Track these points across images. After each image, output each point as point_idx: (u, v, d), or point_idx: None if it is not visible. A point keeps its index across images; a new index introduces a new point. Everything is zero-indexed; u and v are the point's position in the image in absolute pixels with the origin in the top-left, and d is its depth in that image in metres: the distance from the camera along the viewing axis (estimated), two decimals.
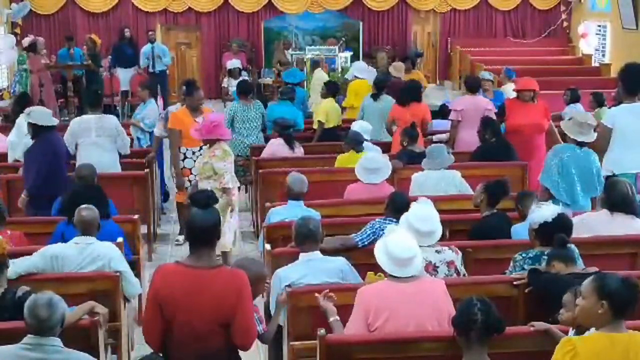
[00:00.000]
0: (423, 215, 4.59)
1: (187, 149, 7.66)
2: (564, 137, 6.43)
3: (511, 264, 4.71)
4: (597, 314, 3.23)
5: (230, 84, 12.52)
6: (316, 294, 4.19)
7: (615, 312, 3.22)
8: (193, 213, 3.67)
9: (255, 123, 8.70)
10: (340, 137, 8.74)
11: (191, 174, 7.54)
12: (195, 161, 7.43)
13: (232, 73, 11.80)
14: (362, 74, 10.71)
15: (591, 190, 6.03)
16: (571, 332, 3.65)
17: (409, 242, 4.04)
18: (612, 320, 3.23)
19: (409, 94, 8.50)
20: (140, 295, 5.67)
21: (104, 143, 7.54)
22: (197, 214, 3.63)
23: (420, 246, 4.36)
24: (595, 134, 6.11)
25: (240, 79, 10.93)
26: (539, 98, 8.16)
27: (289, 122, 8.48)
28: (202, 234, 3.60)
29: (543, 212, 4.66)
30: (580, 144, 6.03)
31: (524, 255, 4.65)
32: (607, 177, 5.91)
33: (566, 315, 3.68)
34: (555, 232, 4.54)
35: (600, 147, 6.29)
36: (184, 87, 8.24)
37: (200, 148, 7.37)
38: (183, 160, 7.69)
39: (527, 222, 5.36)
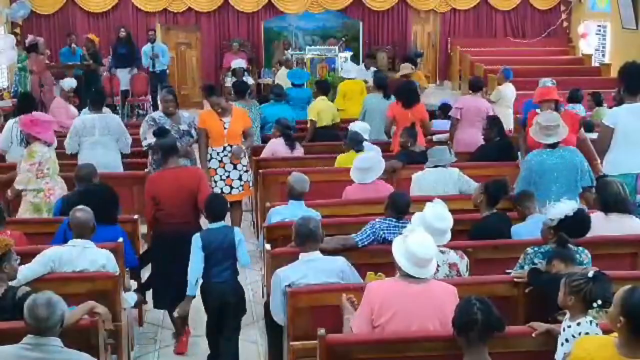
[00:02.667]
0: (440, 213, 4.61)
1: (212, 149, 7.54)
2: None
3: (522, 256, 4.72)
4: (617, 327, 3.17)
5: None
6: (343, 295, 4.21)
7: (633, 332, 3.12)
8: (158, 141, 6.57)
9: (254, 123, 8.69)
10: (335, 137, 8.78)
11: (216, 173, 7.48)
12: (219, 161, 7.47)
13: (236, 73, 11.72)
14: (351, 74, 10.67)
15: (572, 188, 5.94)
16: (567, 315, 3.68)
17: (430, 243, 4.01)
18: (630, 339, 3.13)
19: (414, 95, 8.43)
20: (140, 299, 5.68)
21: (107, 142, 7.61)
22: (161, 140, 6.37)
23: None
24: (565, 130, 6.06)
25: (247, 78, 10.93)
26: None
27: (291, 122, 8.48)
28: (167, 148, 5.89)
29: (562, 207, 4.67)
30: (553, 146, 6.00)
31: (535, 249, 4.67)
32: (599, 178, 5.89)
33: (560, 297, 3.69)
34: (575, 228, 4.56)
35: (602, 146, 6.29)
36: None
37: (224, 149, 7.41)
38: (209, 160, 7.55)
39: (527, 222, 5.39)
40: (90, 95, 8.42)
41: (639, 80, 6.35)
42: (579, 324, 3.60)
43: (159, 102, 11.38)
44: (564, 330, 3.67)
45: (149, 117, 7.73)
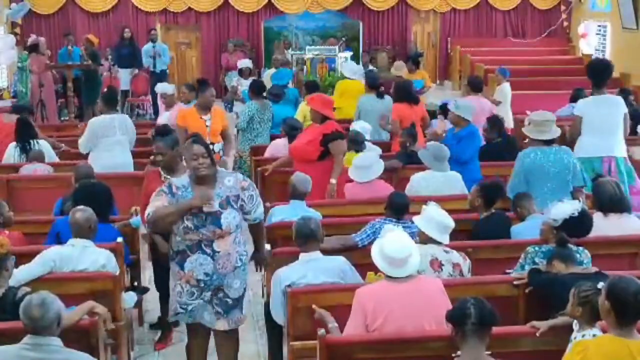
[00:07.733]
0: (443, 212, 4.66)
1: None
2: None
3: (522, 255, 4.73)
4: (605, 312, 3.29)
5: (240, 84, 12.35)
6: (313, 306, 4.22)
7: (617, 313, 3.23)
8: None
9: (269, 124, 8.67)
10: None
11: None
12: None
13: (242, 72, 11.70)
14: (354, 75, 10.65)
15: (564, 187, 5.93)
16: (575, 326, 3.67)
17: (405, 241, 4.05)
18: (618, 322, 3.24)
19: (413, 94, 8.40)
20: (140, 299, 5.68)
21: (124, 141, 7.67)
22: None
23: (431, 243, 4.51)
24: (558, 129, 6.14)
25: (252, 78, 10.87)
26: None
27: (298, 123, 8.47)
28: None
29: (565, 207, 4.67)
30: (548, 142, 6.03)
31: (536, 248, 4.68)
32: (594, 179, 5.93)
33: (568, 308, 3.69)
34: (578, 228, 4.59)
35: (572, 134, 6.88)
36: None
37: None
38: None
39: (527, 222, 5.39)
40: (104, 96, 8.36)
41: (602, 75, 6.99)
42: (583, 335, 3.57)
43: (158, 100, 11.38)
44: (571, 342, 3.63)
45: (166, 186, 4.64)
